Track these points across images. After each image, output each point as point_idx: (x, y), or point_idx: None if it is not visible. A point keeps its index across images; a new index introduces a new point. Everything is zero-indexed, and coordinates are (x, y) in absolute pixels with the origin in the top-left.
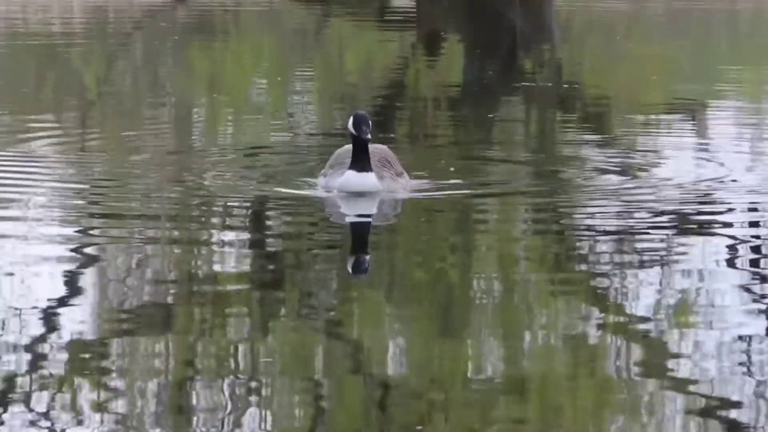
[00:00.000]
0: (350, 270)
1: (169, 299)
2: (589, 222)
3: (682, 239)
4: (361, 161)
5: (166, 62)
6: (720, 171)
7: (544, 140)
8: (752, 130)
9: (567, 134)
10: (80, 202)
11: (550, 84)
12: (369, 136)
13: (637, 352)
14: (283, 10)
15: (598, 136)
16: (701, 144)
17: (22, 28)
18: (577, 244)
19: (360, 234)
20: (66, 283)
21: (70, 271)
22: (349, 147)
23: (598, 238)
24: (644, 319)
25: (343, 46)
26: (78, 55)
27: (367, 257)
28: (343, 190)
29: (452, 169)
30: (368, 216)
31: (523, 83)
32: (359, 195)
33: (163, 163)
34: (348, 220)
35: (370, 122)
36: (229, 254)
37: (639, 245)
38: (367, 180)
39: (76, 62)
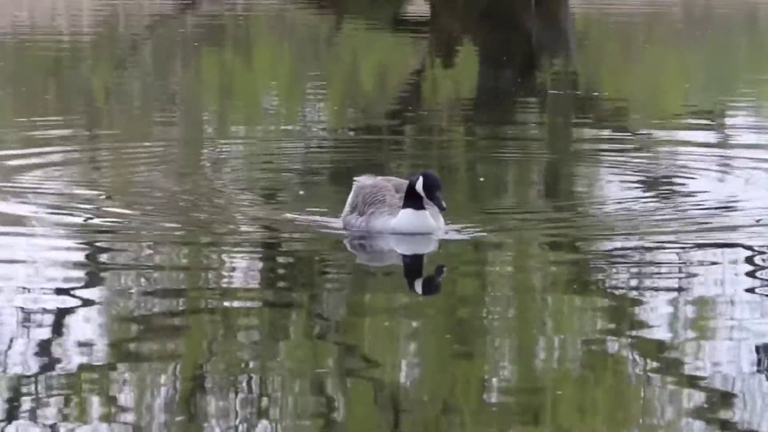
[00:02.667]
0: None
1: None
2: (624, 250)
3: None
4: (415, 201)
5: (177, 71)
6: (742, 186)
7: (562, 151)
8: None
9: (585, 144)
10: (88, 221)
11: (569, 91)
12: (445, 206)
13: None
14: (294, 16)
15: (619, 146)
16: (724, 156)
17: (30, 35)
18: (614, 272)
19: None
20: (74, 304)
21: (77, 291)
22: (372, 180)
23: (639, 266)
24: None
25: (357, 53)
26: (87, 63)
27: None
28: (397, 232)
29: (482, 179)
30: (425, 257)
31: (541, 91)
32: (413, 236)
33: (178, 186)
34: (409, 262)
35: (441, 186)
36: (282, 305)
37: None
38: (425, 220)
39: (84, 71)
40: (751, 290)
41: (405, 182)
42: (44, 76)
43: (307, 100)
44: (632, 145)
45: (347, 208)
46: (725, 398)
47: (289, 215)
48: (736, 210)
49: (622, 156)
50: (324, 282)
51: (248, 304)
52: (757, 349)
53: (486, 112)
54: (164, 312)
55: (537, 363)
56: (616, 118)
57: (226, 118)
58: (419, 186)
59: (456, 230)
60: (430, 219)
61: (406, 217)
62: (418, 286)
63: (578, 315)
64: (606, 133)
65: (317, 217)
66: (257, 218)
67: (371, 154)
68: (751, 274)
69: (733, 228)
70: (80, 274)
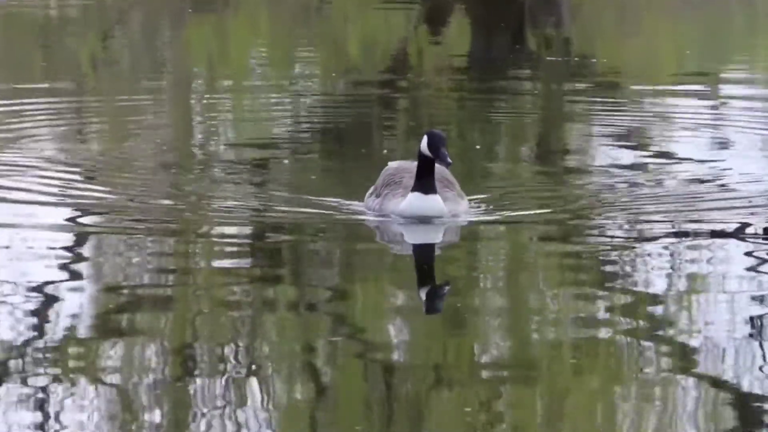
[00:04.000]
0: (425, 309)
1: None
2: (646, 238)
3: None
4: (426, 183)
5: (165, 39)
6: (734, 155)
7: (557, 117)
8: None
9: (578, 107)
10: (74, 195)
11: (566, 58)
12: (450, 161)
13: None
14: None
15: (614, 112)
16: (718, 122)
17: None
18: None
19: (427, 265)
20: (69, 298)
21: (66, 267)
22: (399, 164)
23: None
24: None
25: (348, 21)
26: (80, 30)
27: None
28: (405, 215)
29: (478, 146)
30: (435, 244)
31: (537, 57)
32: (422, 220)
33: (172, 169)
34: (412, 249)
35: (446, 142)
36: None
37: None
38: (433, 203)
39: (76, 37)
40: (746, 256)
41: (440, 168)
42: (35, 43)
43: (297, 66)
44: (628, 111)
45: (371, 189)
46: (718, 365)
47: (292, 196)
48: (728, 180)
49: (618, 120)
50: (317, 262)
51: (247, 281)
52: (752, 314)
53: (480, 78)
54: (154, 287)
55: (538, 341)
56: (611, 83)
57: (216, 84)
58: (424, 145)
59: (473, 213)
60: (437, 202)
61: (413, 200)
62: (422, 293)
63: (579, 298)
64: (601, 98)
65: (335, 199)
66: (252, 195)
67: (362, 123)
68: (741, 239)
69: (726, 199)
70: (69, 249)
